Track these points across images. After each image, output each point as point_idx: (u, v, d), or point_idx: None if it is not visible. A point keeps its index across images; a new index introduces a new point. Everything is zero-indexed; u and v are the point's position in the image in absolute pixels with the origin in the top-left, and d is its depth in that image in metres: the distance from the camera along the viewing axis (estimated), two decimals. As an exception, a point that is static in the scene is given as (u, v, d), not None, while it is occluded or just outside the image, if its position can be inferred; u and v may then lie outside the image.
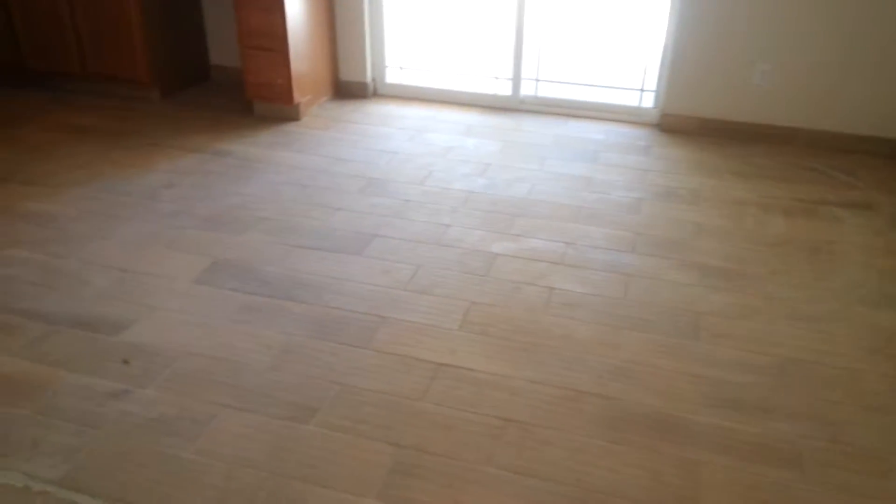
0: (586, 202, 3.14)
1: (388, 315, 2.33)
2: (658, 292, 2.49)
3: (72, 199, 3.05)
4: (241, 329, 2.25)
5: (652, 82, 4.05)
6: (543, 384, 2.02)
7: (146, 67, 4.08)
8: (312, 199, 3.11)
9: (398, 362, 2.12)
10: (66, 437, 1.81)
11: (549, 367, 2.10)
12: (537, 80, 4.24)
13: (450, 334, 2.25)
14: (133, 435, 1.83)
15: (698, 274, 2.60)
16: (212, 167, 3.39)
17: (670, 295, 2.47)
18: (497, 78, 4.30)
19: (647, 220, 2.99)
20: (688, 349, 2.20)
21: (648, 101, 4.09)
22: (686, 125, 3.94)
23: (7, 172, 3.27)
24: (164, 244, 2.72)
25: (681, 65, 3.81)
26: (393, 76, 4.43)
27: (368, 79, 4.38)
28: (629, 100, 4.14)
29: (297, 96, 3.94)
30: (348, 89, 4.42)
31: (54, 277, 2.48)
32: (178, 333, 2.22)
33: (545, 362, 2.12)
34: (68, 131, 3.74)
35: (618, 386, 2.03)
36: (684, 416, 1.93)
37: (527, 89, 4.24)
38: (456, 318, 2.33)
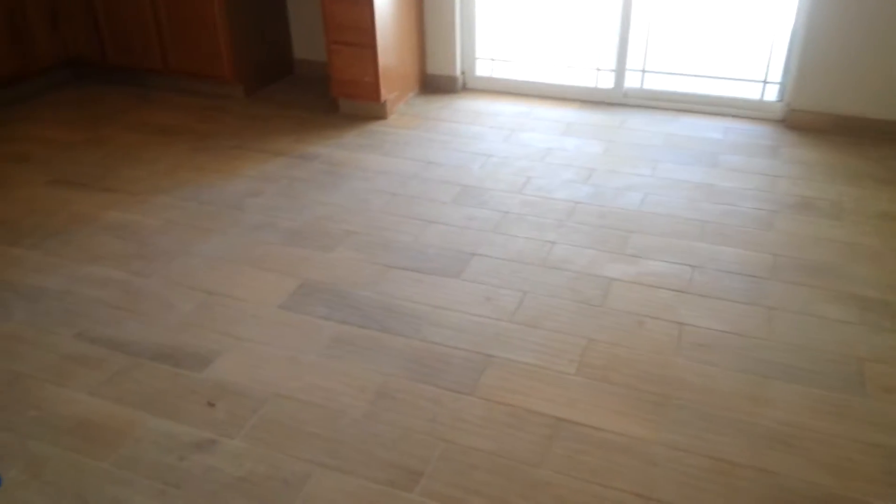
0: (710, 215, 2.78)
1: (494, 353, 2.07)
2: (809, 331, 2.13)
3: (155, 208, 2.91)
4: (333, 366, 2.04)
5: (777, 73, 3.61)
6: (686, 452, 1.72)
7: (230, 65, 3.93)
8: (403, 210, 2.87)
9: (509, 414, 1.86)
10: (149, 499, 1.63)
11: (689, 429, 1.79)
12: (643, 72, 3.86)
13: (566, 380, 1.97)
14: (220, 497, 1.64)
15: (856, 308, 2.22)
16: (297, 173, 3.20)
17: (824, 335, 2.12)
18: (598, 69, 3.94)
19: (784, 239, 2.61)
20: (855, 407, 1.85)
21: (772, 95, 3.66)
22: (817, 122, 3.49)
23: (91, 178, 3.17)
24: (249, 262, 2.54)
25: (812, 53, 3.36)
26: (483, 69, 4.14)
27: (458, 72, 4.11)
28: (749, 93, 3.72)
29: (385, 93, 3.71)
30: (436, 84, 4.16)
31: (137, 300, 2.33)
32: (266, 370, 2.02)
33: (684, 421, 1.82)
34: (152, 132, 3.63)
35: (776, 456, 1.71)
36: (865, 499, 1.60)
37: (631, 81, 3.87)
38: (572, 358, 2.05)
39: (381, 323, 2.21)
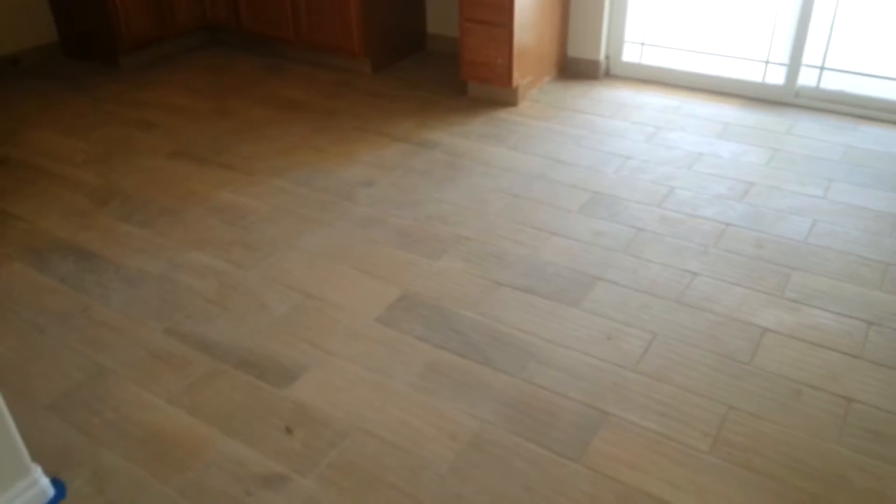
0: (895, 256, 2.29)
1: (611, 410, 1.76)
2: None
3: (267, 191, 2.80)
4: (424, 400, 1.81)
5: None
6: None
7: (360, 40, 3.75)
8: (523, 216, 2.58)
9: (620, 495, 1.56)
10: (206, 538, 1.49)
11: (851, 554, 1.42)
12: (822, 68, 3.30)
13: (696, 458, 1.63)
14: (280, 547, 1.47)
15: None
16: (416, 163, 2.98)
17: None
18: (767, 62, 3.42)
19: None
20: None
21: None
22: None
23: (212, 152, 3.10)
24: (352, 262, 2.36)
25: None
26: (631, 54, 3.72)
27: (601, 56, 3.71)
28: (957, 102, 3.08)
29: (517, 78, 3.39)
30: (576, 68, 3.79)
31: (231, 295, 2.21)
32: (352, 396, 1.83)
33: (845, 542, 1.44)
34: (278, 107, 3.53)
35: None
36: None
37: (806, 78, 3.33)
38: (706, 430, 1.70)
39: (484, 353, 1.95)
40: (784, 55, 3.34)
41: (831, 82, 3.31)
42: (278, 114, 3.46)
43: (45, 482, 1.55)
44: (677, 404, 1.77)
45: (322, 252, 2.42)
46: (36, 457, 1.56)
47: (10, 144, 3.18)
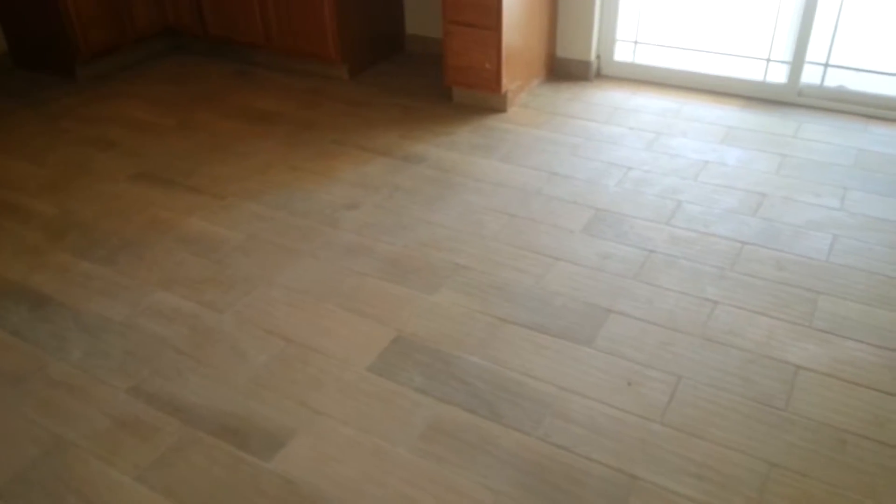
0: (928, 277, 2.13)
1: (640, 473, 1.57)
2: None
3: (241, 217, 2.56)
4: (429, 469, 1.60)
5: None
6: None
7: (335, 44, 3.51)
8: (523, 239, 2.38)
9: (662, 580, 1.37)
10: None
11: None
12: (826, 65, 3.13)
13: (741, 530, 1.45)
14: None
15: None
16: (401, 180, 2.76)
17: None
18: (768, 60, 3.24)
19: None
20: None
21: None
22: None
23: (178, 172, 2.85)
24: (339, 299, 2.13)
25: None
26: (623, 53, 3.52)
27: (592, 56, 3.50)
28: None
29: (506, 83, 3.18)
30: (566, 69, 3.58)
31: (205, 344, 1.98)
32: (347, 466, 1.62)
33: None
34: (249, 119, 3.28)
35: None
36: None
37: (810, 76, 3.16)
38: (749, 495, 1.52)
39: (493, 407, 1.75)
40: (787, 52, 3.16)
41: (836, 80, 3.15)
42: (249, 127, 3.21)
43: None
44: (713, 463, 1.59)
45: (304, 288, 2.19)
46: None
47: (-45, 170, 2.90)
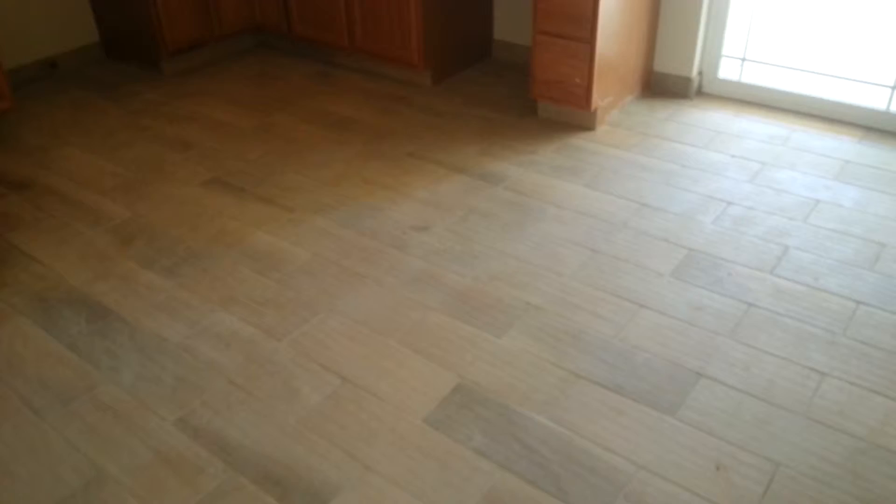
0: None
1: (726, 584, 1.36)
2: None
3: (308, 233, 2.46)
4: (483, 547, 1.44)
5: None
6: None
7: (419, 50, 3.36)
8: (605, 279, 2.17)
9: None
10: None
11: None
12: (966, 96, 2.76)
13: None
14: None
15: None
16: (477, 201, 2.59)
17: None
18: (893, 88, 2.89)
19: None
20: None
21: None
22: None
23: (251, 180, 2.78)
24: (400, 335, 2.00)
25: None
26: (729, 71, 3.23)
27: (694, 72, 3.23)
28: None
29: (597, 99, 2.96)
30: (663, 85, 3.32)
31: (259, 375, 1.88)
32: (392, 533, 1.48)
33: None
34: (326, 125, 3.18)
35: None
36: None
37: (945, 109, 2.80)
38: None
39: (558, 481, 1.57)
40: (919, 79, 2.81)
41: (977, 113, 2.78)
42: (326, 133, 3.11)
43: None
44: (814, 581, 1.36)
45: (365, 319, 2.06)
46: None
47: (38, 165, 2.93)
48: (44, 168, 2.90)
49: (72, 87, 3.61)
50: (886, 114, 2.90)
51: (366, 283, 2.21)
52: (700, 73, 3.27)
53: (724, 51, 3.18)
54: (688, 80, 3.24)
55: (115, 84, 3.63)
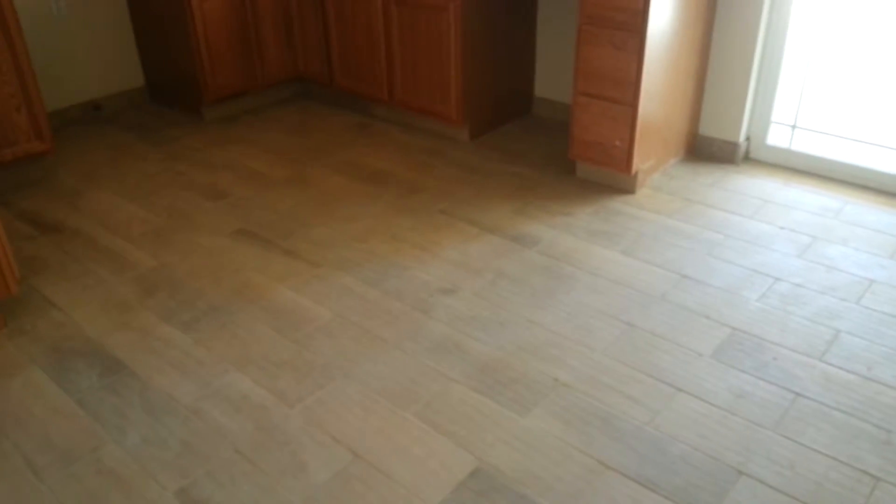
0: None
1: None
2: None
3: (332, 290, 2.39)
4: None
5: None
6: None
7: (458, 105, 3.33)
8: (639, 357, 2.04)
9: None
10: None
11: None
12: None
13: None
14: None
15: None
16: (508, 265, 2.50)
17: None
18: (958, 161, 2.73)
19: None
20: None
21: None
22: None
23: (278, 232, 2.74)
24: (417, 408, 1.89)
25: None
26: (778, 137, 3.10)
27: (741, 137, 3.12)
28: None
29: (638, 163, 2.86)
30: (707, 149, 3.21)
31: (267, 445, 1.79)
32: None
33: None
34: (359, 177, 3.14)
35: None
36: None
37: None
38: None
39: (579, 588, 1.43)
40: (984, 154, 2.65)
41: None
42: (358, 186, 3.07)
43: None
44: None
45: (383, 388, 1.96)
46: None
47: (71, 207, 2.94)
48: (76, 211, 2.91)
49: (113, 129, 3.66)
50: (948, 189, 2.73)
51: (386, 348, 2.12)
52: (748, 139, 3.15)
53: (774, 117, 3.06)
54: (735, 145, 3.13)
55: (155, 128, 3.67)
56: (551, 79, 3.62)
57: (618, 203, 2.88)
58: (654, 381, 1.96)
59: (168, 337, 2.19)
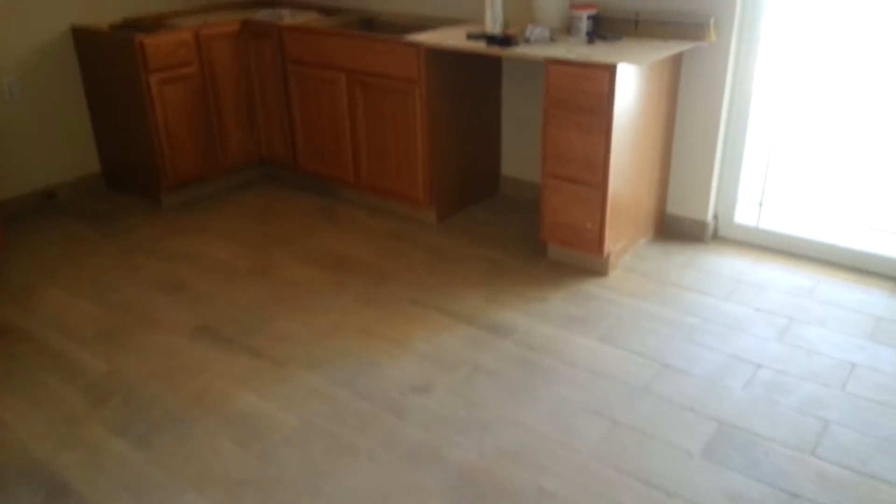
0: None
1: None
2: None
3: (298, 393, 2.25)
4: None
5: None
6: None
7: (425, 188, 3.28)
8: (627, 459, 1.94)
9: None
10: None
11: None
12: None
13: None
14: None
15: None
16: (484, 358, 2.40)
17: None
18: (924, 237, 2.75)
19: None
20: None
21: None
22: None
23: (241, 329, 2.60)
24: (394, 528, 1.75)
25: None
26: (746, 215, 3.11)
27: (709, 216, 3.11)
28: None
29: (609, 244, 2.82)
30: (677, 227, 3.20)
31: (230, 579, 1.62)
32: None
33: None
34: (326, 265, 3.04)
35: None
36: None
37: (980, 262, 2.64)
38: None
39: None
40: (950, 230, 2.67)
41: None
42: (325, 275, 2.97)
43: None
44: None
45: (357, 505, 1.82)
46: None
47: (21, 307, 2.77)
48: (26, 311, 2.74)
49: (67, 219, 3.52)
50: (917, 264, 2.74)
51: (357, 459, 1.98)
52: (715, 217, 3.15)
53: (741, 195, 3.08)
54: (703, 223, 3.12)
55: (111, 218, 3.53)
56: (517, 158, 3.61)
57: (591, 286, 2.82)
58: (644, 486, 1.85)
59: (120, 454, 2.02)
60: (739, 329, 2.51)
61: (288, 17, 3.64)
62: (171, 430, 2.10)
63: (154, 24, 3.60)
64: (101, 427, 2.12)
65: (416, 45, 3.04)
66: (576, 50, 2.70)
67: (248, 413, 2.17)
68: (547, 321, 2.60)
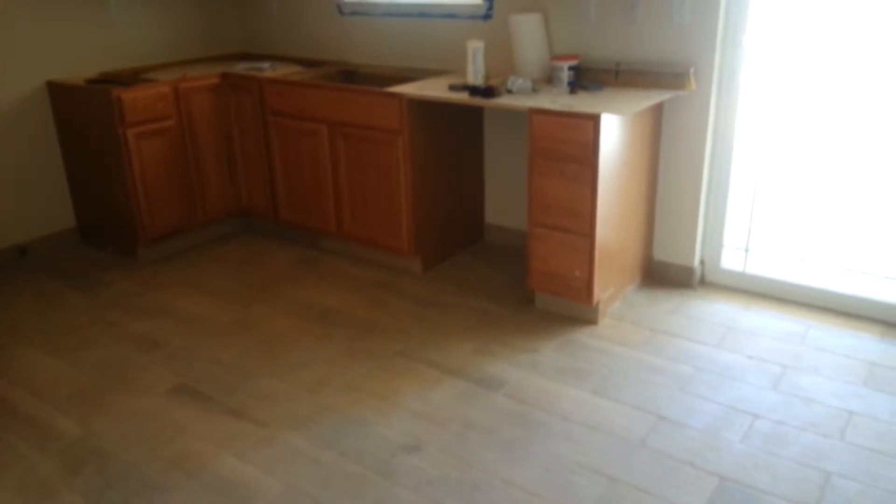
0: None
1: None
2: None
3: (282, 455, 2.15)
4: None
5: None
6: None
7: (410, 237, 3.24)
8: (628, 519, 1.86)
9: None
10: None
11: None
12: None
13: None
14: None
15: None
16: (475, 413, 2.32)
17: None
18: (910, 280, 2.75)
19: None
20: None
21: None
22: None
23: (221, 387, 2.51)
24: None
25: None
26: (732, 261, 3.10)
27: (695, 262, 3.10)
28: None
29: (598, 292, 2.79)
30: (664, 274, 3.18)
31: None
32: None
33: None
34: (309, 318, 2.96)
35: None
36: None
37: (968, 305, 2.64)
38: None
39: None
40: (936, 274, 2.68)
41: None
42: (308, 328, 2.89)
43: None
44: None
45: (347, 577, 1.72)
46: None
47: (-12, 368, 2.65)
48: (-6, 373, 2.63)
49: (40, 276, 3.42)
50: (905, 308, 2.74)
51: (347, 526, 1.88)
52: (702, 263, 3.14)
53: (727, 240, 3.07)
54: (690, 269, 3.11)
55: (86, 273, 3.44)
56: (501, 205, 3.59)
57: (582, 335, 2.77)
58: (646, 548, 1.78)
59: (93, 527, 1.90)
60: (733, 378, 2.47)
61: (268, 69, 3.64)
62: (149, 498, 1.99)
63: (131, 77, 3.57)
64: (75, 496, 2.01)
65: (398, 97, 3.04)
66: (559, 100, 2.71)
67: (229, 478, 2.07)
68: (538, 373, 2.54)
